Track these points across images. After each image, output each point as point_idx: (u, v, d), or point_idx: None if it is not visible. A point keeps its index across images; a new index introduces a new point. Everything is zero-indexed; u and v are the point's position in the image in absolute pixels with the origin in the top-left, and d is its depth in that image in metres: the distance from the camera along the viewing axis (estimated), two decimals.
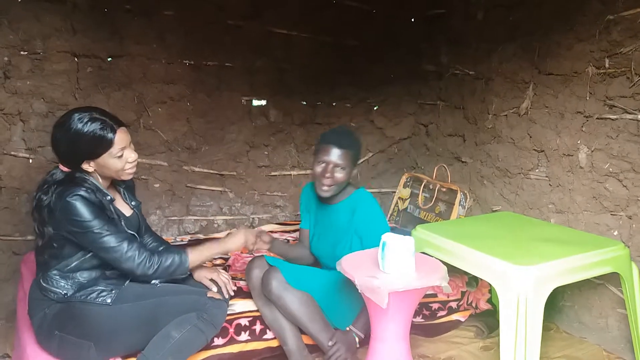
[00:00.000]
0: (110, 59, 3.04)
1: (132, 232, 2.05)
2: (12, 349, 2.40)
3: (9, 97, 2.83)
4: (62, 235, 1.89)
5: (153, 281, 2.02)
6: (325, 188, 2.27)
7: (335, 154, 2.25)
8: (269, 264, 2.27)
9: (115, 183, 2.14)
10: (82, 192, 1.86)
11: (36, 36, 2.84)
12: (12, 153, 2.87)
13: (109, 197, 1.99)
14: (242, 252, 2.95)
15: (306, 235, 2.59)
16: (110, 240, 1.88)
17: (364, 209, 2.28)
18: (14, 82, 2.82)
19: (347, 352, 2.18)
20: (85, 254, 1.94)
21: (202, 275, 2.21)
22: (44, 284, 1.96)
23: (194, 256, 2.06)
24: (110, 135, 1.90)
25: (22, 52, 2.82)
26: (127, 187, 2.21)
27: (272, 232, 3.35)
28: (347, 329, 2.24)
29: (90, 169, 1.95)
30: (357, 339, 2.22)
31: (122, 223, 2.01)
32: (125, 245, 1.90)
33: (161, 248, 2.25)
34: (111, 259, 1.91)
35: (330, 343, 2.17)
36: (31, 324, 2.04)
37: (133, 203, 2.19)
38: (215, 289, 2.18)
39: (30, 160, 2.91)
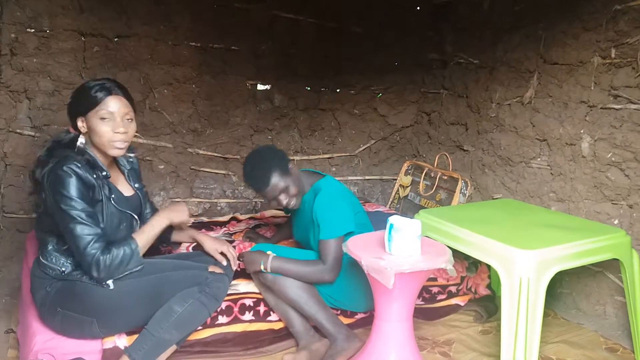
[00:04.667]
0: (117, 38, 3.04)
1: (129, 212, 2.05)
2: (17, 325, 2.42)
3: (15, 74, 2.83)
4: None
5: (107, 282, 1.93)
6: (293, 206, 2.32)
7: (269, 189, 2.26)
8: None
9: (118, 164, 2.15)
10: (74, 166, 1.84)
11: (43, 14, 2.84)
12: (18, 131, 2.89)
13: (105, 172, 1.97)
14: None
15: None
16: (79, 229, 1.83)
17: (319, 198, 2.29)
18: (21, 60, 2.83)
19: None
20: None
21: (213, 248, 2.25)
22: (43, 261, 1.97)
23: (141, 239, 1.99)
24: (99, 94, 1.91)
25: (29, 30, 2.83)
26: (132, 170, 2.19)
27: (274, 217, 3.38)
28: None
29: (83, 129, 1.94)
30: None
31: (113, 202, 1.99)
32: (89, 239, 1.84)
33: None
34: (73, 247, 1.87)
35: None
36: (34, 302, 2.05)
37: (136, 185, 2.18)
38: (225, 262, 2.22)
39: (36, 138, 2.92)
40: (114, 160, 2.13)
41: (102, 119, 1.91)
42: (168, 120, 3.25)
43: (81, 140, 1.95)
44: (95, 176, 1.92)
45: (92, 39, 2.98)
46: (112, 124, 1.92)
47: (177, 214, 2.12)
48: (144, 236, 2.00)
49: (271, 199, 2.30)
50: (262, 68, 3.47)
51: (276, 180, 2.25)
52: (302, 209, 2.44)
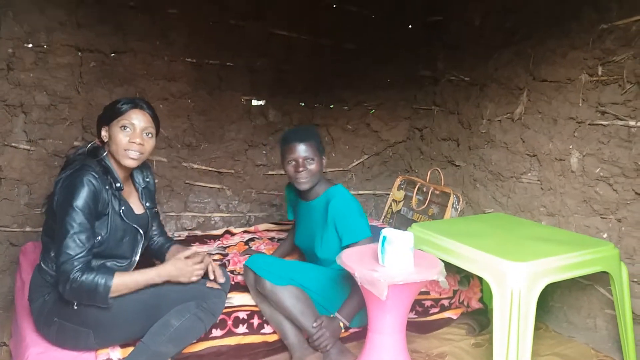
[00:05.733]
0: (113, 54, 3.08)
1: (135, 226, 2.08)
2: (10, 338, 2.41)
3: (12, 88, 2.85)
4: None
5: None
6: (303, 181, 2.39)
7: (300, 149, 2.37)
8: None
9: (134, 181, 2.19)
10: (91, 177, 1.89)
11: (41, 29, 2.87)
12: (13, 144, 2.89)
13: (119, 184, 2.02)
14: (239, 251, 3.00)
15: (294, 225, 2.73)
16: (67, 242, 1.82)
17: (336, 203, 2.38)
18: (17, 74, 2.85)
19: (332, 337, 2.23)
20: None
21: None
22: (43, 267, 1.98)
23: (121, 280, 1.89)
24: (125, 106, 2.01)
25: (26, 45, 2.85)
26: (146, 189, 2.23)
27: (268, 230, 3.40)
28: (332, 315, 2.30)
29: (105, 138, 2.03)
30: (342, 325, 2.28)
31: (123, 214, 2.03)
32: (71, 255, 1.82)
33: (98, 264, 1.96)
34: (55, 255, 1.88)
35: (314, 325, 2.23)
36: (30, 311, 2.06)
37: (147, 204, 2.21)
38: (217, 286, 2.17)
39: (31, 152, 2.93)
40: (130, 177, 2.17)
41: (123, 127, 1.99)
42: (163, 135, 3.27)
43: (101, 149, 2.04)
44: (107, 187, 1.96)
45: (89, 54, 3.01)
46: (131, 134, 2.00)
47: (166, 268, 2.00)
48: (126, 280, 1.91)
49: (293, 159, 2.37)
50: (257, 84, 3.51)
51: (312, 145, 2.39)
52: (311, 214, 2.50)
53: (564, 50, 2.76)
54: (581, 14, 2.65)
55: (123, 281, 1.90)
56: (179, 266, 2.01)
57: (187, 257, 2.05)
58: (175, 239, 3.09)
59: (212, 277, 2.14)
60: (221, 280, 2.15)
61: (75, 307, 1.89)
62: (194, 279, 2.04)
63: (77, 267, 1.81)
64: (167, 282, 2.02)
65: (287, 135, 2.47)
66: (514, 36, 3.07)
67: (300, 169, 2.36)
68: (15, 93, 2.86)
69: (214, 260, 2.81)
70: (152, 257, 2.31)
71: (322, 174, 2.48)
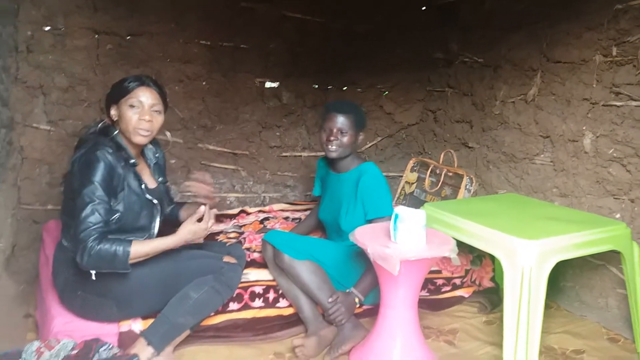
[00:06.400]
0: (129, 36, 3.11)
1: (150, 199, 2.13)
2: (35, 309, 2.50)
3: (32, 70, 2.91)
4: None
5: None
6: (332, 149, 2.49)
7: (337, 120, 2.48)
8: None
9: (145, 157, 2.25)
10: (105, 152, 1.95)
11: (58, 12, 2.91)
12: (34, 125, 2.96)
13: (133, 160, 2.08)
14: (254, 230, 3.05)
15: (318, 202, 2.82)
16: (87, 212, 1.87)
17: (367, 178, 2.47)
18: (37, 56, 2.90)
19: (347, 312, 2.29)
20: None
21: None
22: (64, 243, 2.06)
23: (140, 248, 1.95)
24: (132, 84, 2.05)
25: (44, 28, 2.90)
26: (157, 164, 2.30)
27: (282, 210, 3.44)
28: (348, 290, 2.36)
29: (115, 117, 2.07)
30: (357, 300, 2.34)
31: (138, 189, 2.08)
32: (89, 225, 1.86)
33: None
34: (73, 227, 1.91)
35: (330, 300, 2.29)
36: (55, 285, 2.14)
37: (160, 179, 2.29)
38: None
39: (51, 132, 3.00)
40: (142, 154, 2.23)
41: (131, 106, 2.03)
42: (179, 117, 3.32)
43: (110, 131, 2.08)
44: (123, 164, 2.02)
45: (106, 37, 3.05)
46: (140, 111, 2.04)
47: (179, 234, 2.04)
48: (145, 247, 1.97)
49: (328, 127, 2.48)
50: (271, 66, 3.53)
51: (349, 119, 2.49)
52: (340, 185, 2.58)
53: (578, 31, 2.75)
54: None
55: (141, 249, 1.96)
56: (193, 230, 2.04)
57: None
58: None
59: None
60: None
61: (94, 277, 1.94)
62: (205, 234, 2.09)
63: (95, 236, 1.86)
64: (184, 249, 2.14)
65: (329, 105, 2.60)
66: (526, 18, 3.06)
67: (332, 138, 2.46)
68: (35, 75, 2.91)
69: (230, 238, 2.88)
70: (167, 223, 2.38)
71: (354, 149, 2.56)
